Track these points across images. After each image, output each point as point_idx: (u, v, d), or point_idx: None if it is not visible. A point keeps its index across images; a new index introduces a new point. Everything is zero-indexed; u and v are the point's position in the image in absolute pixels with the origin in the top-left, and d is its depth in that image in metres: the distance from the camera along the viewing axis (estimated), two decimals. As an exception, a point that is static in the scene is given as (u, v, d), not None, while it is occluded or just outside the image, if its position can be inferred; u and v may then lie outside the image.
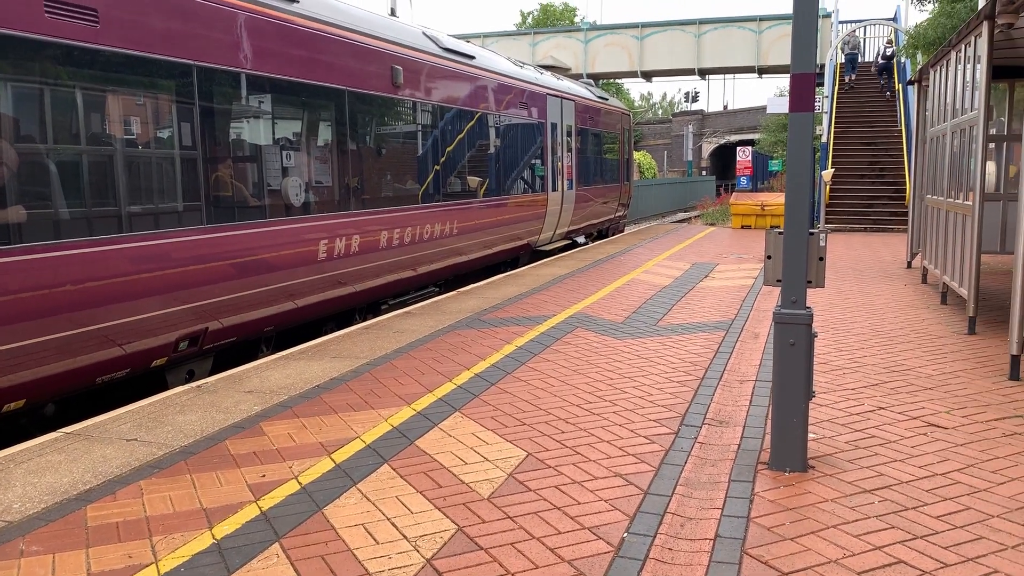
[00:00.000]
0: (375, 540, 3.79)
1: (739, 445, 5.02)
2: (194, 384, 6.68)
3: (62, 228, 5.94)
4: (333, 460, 4.82)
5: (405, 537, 3.82)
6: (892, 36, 26.83)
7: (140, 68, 6.57)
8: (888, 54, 26.50)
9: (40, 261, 5.70)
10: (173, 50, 6.83)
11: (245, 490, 4.40)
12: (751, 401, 5.92)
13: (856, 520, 3.95)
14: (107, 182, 6.35)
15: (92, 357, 6.24)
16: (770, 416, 4.80)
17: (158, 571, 3.52)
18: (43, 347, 5.78)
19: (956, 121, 9.40)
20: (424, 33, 11.95)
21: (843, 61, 27.64)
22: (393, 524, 3.96)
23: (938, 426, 5.36)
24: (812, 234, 4.49)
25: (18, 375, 5.67)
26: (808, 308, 4.51)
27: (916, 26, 20.52)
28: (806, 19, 4.39)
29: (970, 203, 8.21)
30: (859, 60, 28.75)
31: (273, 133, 8.52)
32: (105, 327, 6.25)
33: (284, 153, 8.58)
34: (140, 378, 7.10)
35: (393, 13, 22.95)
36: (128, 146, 6.62)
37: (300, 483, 4.48)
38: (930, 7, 20.30)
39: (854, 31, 28.29)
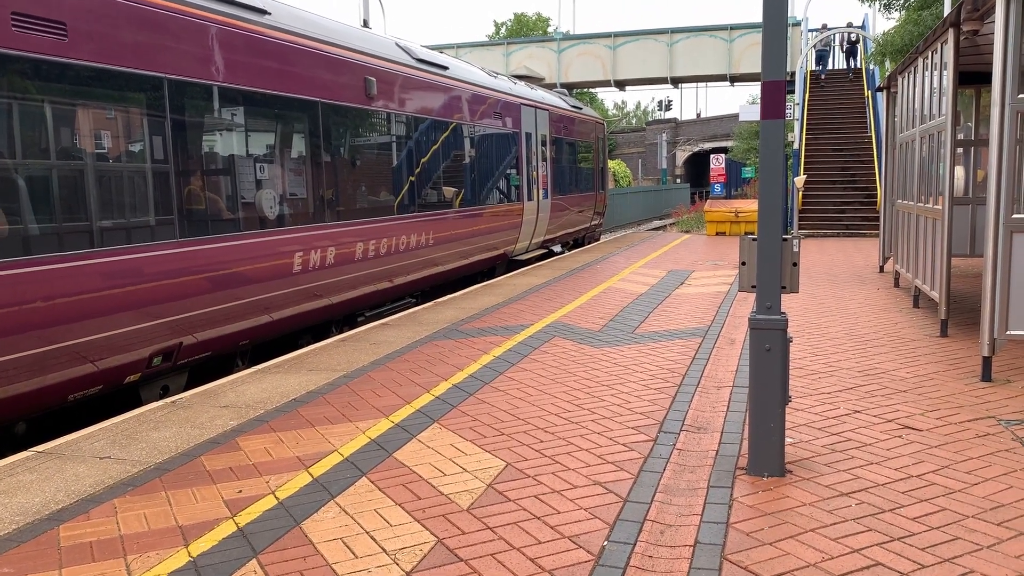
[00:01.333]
0: (354, 554, 3.76)
1: (717, 451, 5.04)
2: (169, 400, 6.60)
3: (32, 244, 5.85)
4: (311, 474, 4.78)
5: (384, 550, 3.79)
6: (858, 30, 28.45)
7: (110, 81, 6.51)
8: (852, 39, 28.90)
9: (9, 277, 5.61)
10: (144, 63, 6.77)
11: (221, 506, 4.35)
12: (728, 407, 5.95)
13: (834, 523, 3.97)
14: (78, 197, 6.27)
15: (64, 374, 6.15)
16: (747, 421, 4.83)
17: (133, 591, 3.47)
18: (13, 365, 5.69)
19: (924, 127, 9.53)
20: (397, 44, 11.95)
21: (814, 64, 28.75)
22: (372, 537, 3.92)
23: (913, 428, 5.41)
24: (786, 240, 4.53)
25: (-13, 394, 5.58)
26: (783, 313, 4.54)
27: (884, 33, 20.83)
28: (776, 27, 4.44)
29: (940, 207, 8.32)
30: (829, 63, 30.01)
31: (246, 146, 8.47)
32: (77, 343, 6.17)
33: (257, 166, 8.53)
34: (114, 395, 7.01)
35: (366, 24, 22.93)
36: (99, 160, 6.55)
37: (277, 498, 4.43)
38: (897, 15, 20.60)
39: (827, 35, 28.98)
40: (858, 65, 28.75)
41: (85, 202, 6.30)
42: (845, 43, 29.67)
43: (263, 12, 8.43)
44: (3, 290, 5.57)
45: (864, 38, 27.69)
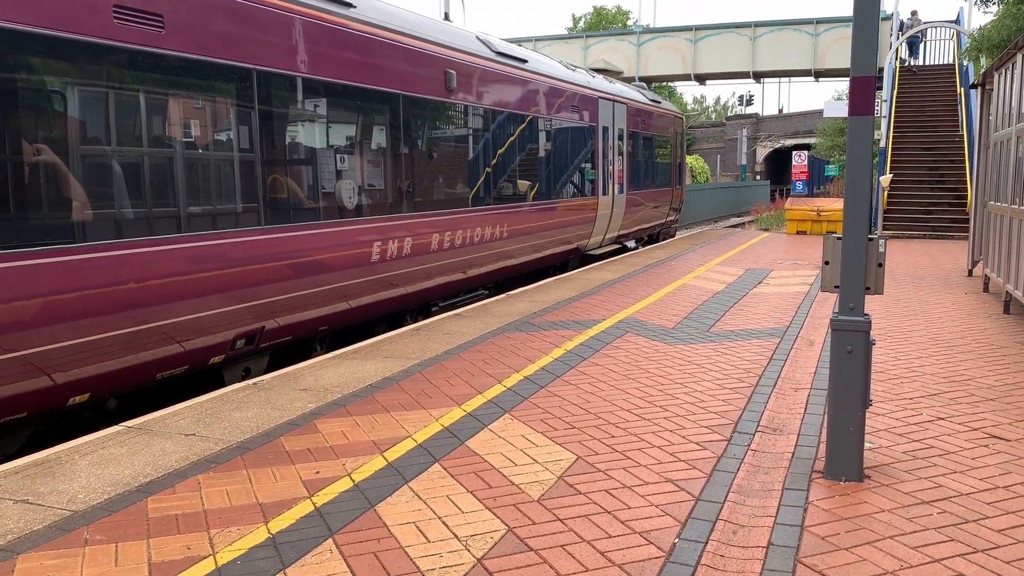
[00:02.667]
0: (426, 538, 3.83)
1: (793, 453, 4.95)
2: (250, 381, 6.82)
3: (124, 228, 6.11)
4: (385, 458, 4.88)
5: (456, 536, 3.85)
6: (914, 19, 27.78)
7: (202, 72, 6.73)
8: (914, 34, 28.36)
9: (104, 259, 5.87)
10: (233, 54, 6.98)
11: (299, 486, 4.48)
12: (806, 409, 5.84)
13: (914, 531, 3.87)
14: (168, 183, 6.52)
15: (153, 353, 6.41)
16: (825, 424, 4.73)
17: (216, 563, 3.61)
18: (107, 343, 5.95)
19: (1022, 125, 9.14)
20: (477, 37, 12.02)
21: (905, 54, 28.09)
22: (444, 523, 3.99)
23: (1000, 438, 5.21)
24: (872, 240, 4.42)
25: (83, 369, 5.85)
26: (866, 315, 4.44)
27: (980, 28, 19.98)
28: (867, 21, 4.32)
29: (1036, 210, 7.98)
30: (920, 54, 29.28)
31: (328, 136, 8.65)
32: (166, 324, 6.41)
33: (339, 156, 8.71)
34: (198, 375, 7.27)
35: (447, 17, 23.11)
36: (188, 148, 6.79)
37: (353, 480, 4.54)
38: (994, 9, 19.72)
39: (921, 27, 28.01)
40: (918, 59, 28.28)
41: (175, 188, 6.54)
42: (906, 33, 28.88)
43: (348, 5, 8.59)
44: (100, 271, 5.83)
45: (958, 33, 26.64)
